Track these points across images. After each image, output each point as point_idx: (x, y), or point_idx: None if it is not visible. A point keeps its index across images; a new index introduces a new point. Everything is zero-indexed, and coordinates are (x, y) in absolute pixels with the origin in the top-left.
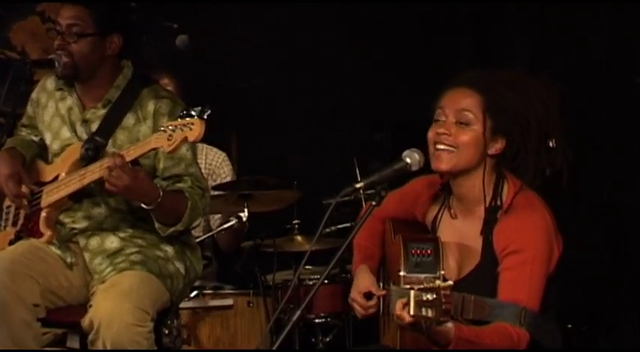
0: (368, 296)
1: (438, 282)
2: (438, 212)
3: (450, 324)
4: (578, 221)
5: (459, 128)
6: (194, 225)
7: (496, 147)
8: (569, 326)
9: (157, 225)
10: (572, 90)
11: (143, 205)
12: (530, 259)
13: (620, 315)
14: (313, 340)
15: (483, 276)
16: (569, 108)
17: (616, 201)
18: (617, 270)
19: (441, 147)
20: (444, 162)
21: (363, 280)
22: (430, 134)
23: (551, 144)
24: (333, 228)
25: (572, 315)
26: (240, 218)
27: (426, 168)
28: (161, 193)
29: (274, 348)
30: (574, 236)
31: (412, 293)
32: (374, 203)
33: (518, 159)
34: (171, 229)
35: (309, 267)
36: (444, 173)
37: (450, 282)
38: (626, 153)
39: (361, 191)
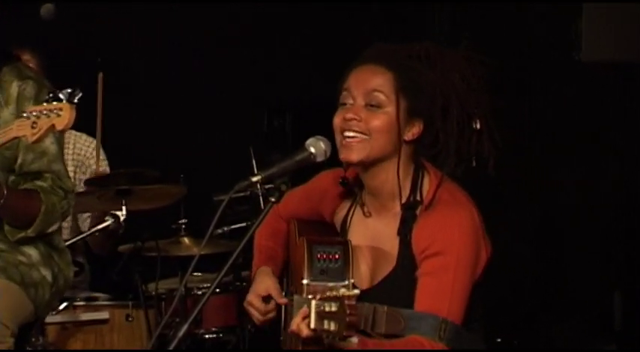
0: (267, 300)
1: (342, 291)
2: (349, 210)
3: (355, 339)
4: (507, 219)
5: (369, 112)
6: (50, 230)
7: (413, 131)
8: (499, 340)
9: (5, 227)
10: (505, 67)
11: None
12: (454, 263)
13: (556, 328)
14: None
15: (399, 283)
16: (500, 85)
17: (551, 195)
18: (552, 277)
19: (350, 134)
20: (354, 151)
21: (262, 282)
22: (336, 120)
23: (475, 125)
24: (225, 228)
25: (502, 328)
26: (116, 217)
27: (333, 159)
28: (5, 192)
29: None
30: (503, 237)
31: (313, 303)
32: (273, 199)
33: (439, 144)
34: (21, 234)
35: (198, 274)
36: (355, 165)
37: (356, 291)
38: (563, 136)
39: (258, 185)
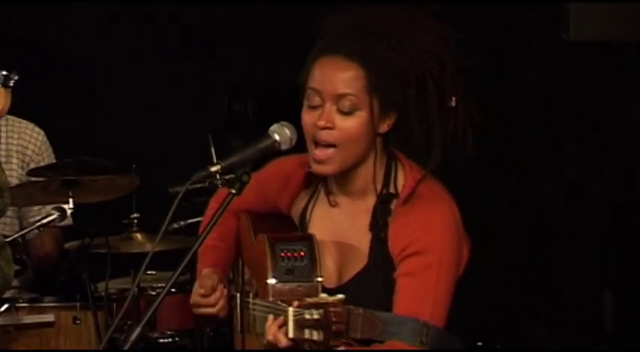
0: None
1: (324, 296)
2: (309, 201)
3: (341, 348)
4: (493, 216)
5: (341, 116)
6: None
7: (387, 123)
8: (480, 344)
9: None
10: (492, 47)
11: None
12: (437, 263)
13: (538, 331)
14: None
15: (371, 282)
16: (480, 62)
17: (535, 186)
18: (540, 277)
19: (323, 143)
20: (328, 166)
21: (202, 283)
22: (306, 121)
23: (451, 103)
24: (182, 223)
25: (483, 332)
26: (62, 211)
27: (299, 146)
28: None
29: None
30: (482, 235)
31: (290, 310)
32: (234, 191)
33: (415, 129)
34: None
35: (152, 273)
36: (330, 175)
37: (341, 296)
38: (548, 119)
39: (218, 176)
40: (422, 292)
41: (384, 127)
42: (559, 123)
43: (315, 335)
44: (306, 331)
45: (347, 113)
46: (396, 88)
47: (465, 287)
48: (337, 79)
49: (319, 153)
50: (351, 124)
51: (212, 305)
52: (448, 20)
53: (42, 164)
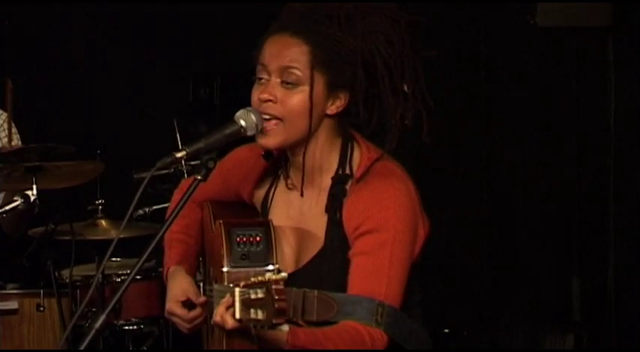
0: (189, 304)
1: (268, 275)
2: (270, 188)
3: (285, 327)
4: (455, 200)
5: (285, 90)
6: None
7: (337, 104)
8: (446, 330)
9: None
10: (459, 33)
11: None
12: (390, 241)
13: (507, 317)
14: None
15: (328, 265)
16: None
17: (501, 173)
18: (501, 261)
19: (266, 117)
20: (270, 137)
21: (179, 286)
22: (253, 97)
23: (405, 88)
24: (147, 209)
25: (449, 318)
26: (26, 197)
27: None
28: None
29: None
30: (449, 222)
31: (237, 290)
32: (199, 177)
33: (366, 113)
34: None
35: (117, 260)
36: (273, 149)
37: (284, 274)
38: (513, 104)
39: (183, 162)
40: (376, 271)
41: (332, 108)
42: (526, 109)
43: (260, 315)
44: (252, 311)
45: (290, 87)
46: (343, 67)
47: (430, 273)
48: (282, 53)
49: (263, 125)
50: (294, 99)
51: (188, 322)
52: (417, 7)
53: (2, 141)
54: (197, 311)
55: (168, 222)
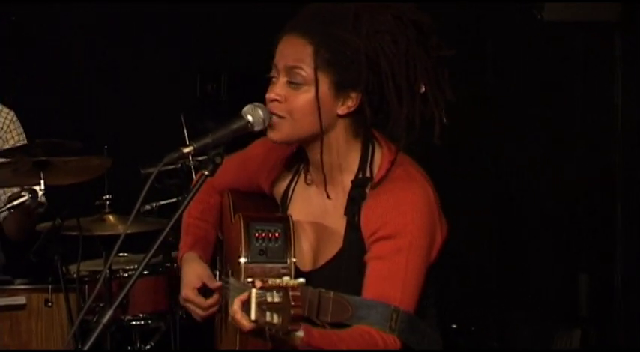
0: (204, 291)
1: (285, 279)
2: (290, 182)
3: (300, 333)
4: (462, 198)
5: (291, 90)
6: None
7: (348, 105)
8: (454, 326)
9: None
10: (466, 28)
11: None
12: (407, 246)
13: (514, 312)
14: (130, 348)
15: (345, 267)
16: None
17: (508, 169)
18: (509, 258)
19: (274, 115)
20: (275, 131)
21: (194, 272)
22: (266, 96)
23: (419, 89)
24: (154, 205)
25: (458, 314)
26: (34, 193)
27: None
28: None
29: None
30: (456, 219)
31: (253, 292)
32: (206, 172)
33: (381, 113)
34: None
35: (124, 255)
36: (279, 143)
37: (302, 280)
38: (520, 101)
39: (190, 157)
40: (391, 276)
41: (343, 109)
42: (532, 103)
43: (275, 319)
44: (267, 314)
45: (296, 87)
46: (349, 68)
47: (442, 271)
48: (289, 53)
49: (272, 120)
50: (298, 99)
51: (204, 309)
52: (423, 7)
53: (10, 142)
54: (213, 299)
55: (173, 220)
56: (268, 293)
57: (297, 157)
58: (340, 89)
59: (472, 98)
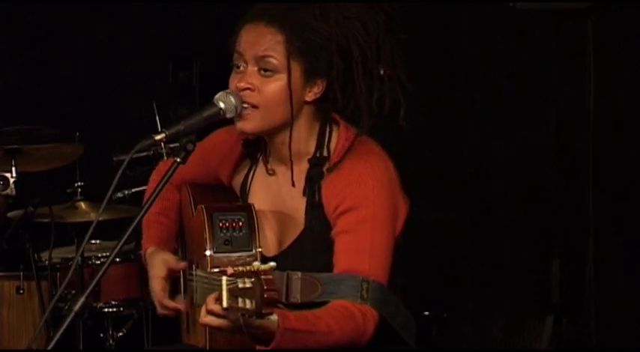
0: (173, 289)
1: (256, 264)
2: (249, 172)
3: (274, 317)
4: (434, 184)
5: (263, 78)
6: None
7: (314, 91)
8: (427, 313)
9: None
10: (437, 16)
11: None
12: (370, 217)
13: (487, 299)
14: (102, 335)
15: (310, 247)
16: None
17: (479, 153)
18: (481, 245)
19: (245, 105)
20: (248, 122)
21: (159, 259)
22: (231, 85)
23: (381, 73)
24: (126, 192)
25: (429, 300)
26: (5, 180)
27: None
28: None
29: (50, 348)
30: (428, 203)
31: (224, 279)
32: (178, 159)
33: (345, 99)
34: None
35: (96, 242)
36: (250, 135)
37: (273, 264)
38: (498, 89)
39: (162, 144)
40: (358, 248)
41: (310, 95)
42: (506, 90)
43: (248, 304)
44: (240, 300)
45: (267, 76)
46: (319, 55)
47: (410, 256)
48: (258, 42)
49: (242, 111)
50: (271, 87)
51: (162, 306)
52: None
53: None
54: (175, 308)
55: (147, 205)
56: (239, 280)
57: (255, 148)
58: (310, 76)
59: (446, 85)
